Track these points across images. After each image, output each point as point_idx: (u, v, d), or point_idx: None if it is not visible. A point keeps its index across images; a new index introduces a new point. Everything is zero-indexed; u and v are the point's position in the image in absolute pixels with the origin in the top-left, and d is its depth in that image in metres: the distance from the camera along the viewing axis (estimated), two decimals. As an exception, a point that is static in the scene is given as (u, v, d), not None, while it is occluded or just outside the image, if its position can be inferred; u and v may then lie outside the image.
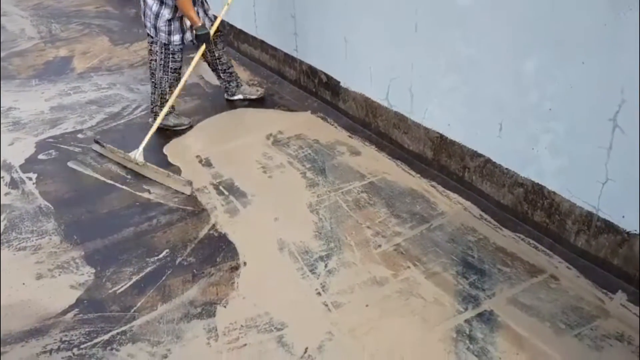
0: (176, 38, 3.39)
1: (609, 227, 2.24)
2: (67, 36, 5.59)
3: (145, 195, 2.98)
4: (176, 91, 3.40)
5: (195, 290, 2.33)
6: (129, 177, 3.15)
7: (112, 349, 2.07)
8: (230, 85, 3.91)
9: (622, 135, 2.07)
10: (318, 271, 2.39)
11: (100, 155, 3.37)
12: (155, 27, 3.35)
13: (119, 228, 2.73)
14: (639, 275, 2.18)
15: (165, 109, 3.38)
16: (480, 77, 2.60)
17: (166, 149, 3.42)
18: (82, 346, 2.09)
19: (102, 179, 3.14)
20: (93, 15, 6.24)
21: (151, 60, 3.52)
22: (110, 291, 2.35)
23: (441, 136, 2.93)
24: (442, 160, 2.97)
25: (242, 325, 2.14)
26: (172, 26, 3.34)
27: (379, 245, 2.51)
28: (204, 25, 3.39)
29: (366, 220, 2.68)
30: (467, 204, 2.76)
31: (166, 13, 3.29)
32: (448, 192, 2.86)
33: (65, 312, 2.25)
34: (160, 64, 3.47)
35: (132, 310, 2.24)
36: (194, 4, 3.34)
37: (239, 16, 4.56)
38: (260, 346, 2.05)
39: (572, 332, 2.04)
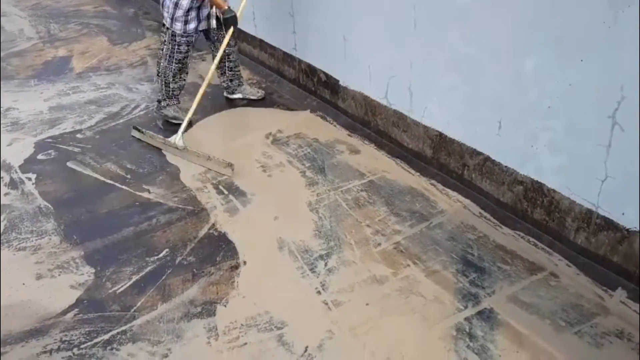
0: (191, 27, 3.42)
1: (609, 225, 2.24)
2: (66, 36, 5.58)
3: (145, 194, 2.98)
4: (207, 77, 3.42)
5: (195, 290, 2.33)
6: (128, 176, 3.14)
7: (112, 349, 2.07)
8: (232, 83, 3.92)
9: (622, 132, 2.07)
10: (318, 270, 2.39)
11: (101, 154, 3.37)
12: (172, 18, 3.38)
13: (118, 228, 2.73)
14: (639, 272, 2.19)
15: (197, 101, 3.41)
16: (480, 76, 2.60)
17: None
18: (82, 346, 2.09)
19: (102, 178, 3.14)
20: (91, 15, 6.24)
21: (159, 49, 3.59)
22: (110, 291, 2.35)
23: (440, 134, 2.93)
24: (442, 159, 2.97)
25: (242, 324, 2.14)
26: (190, 15, 3.37)
27: (379, 244, 2.52)
28: (230, 8, 3.42)
29: (366, 218, 2.68)
30: (467, 202, 2.76)
31: (185, 3, 3.32)
32: (447, 190, 2.86)
33: (65, 312, 2.25)
34: (166, 54, 3.51)
35: (132, 310, 2.24)
36: None
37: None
38: (261, 345, 2.05)
39: (572, 330, 2.05)
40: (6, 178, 3.18)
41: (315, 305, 2.22)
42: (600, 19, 2.01)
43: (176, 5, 3.32)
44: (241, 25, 4.62)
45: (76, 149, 3.46)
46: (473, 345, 2.00)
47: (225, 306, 2.24)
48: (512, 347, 1.99)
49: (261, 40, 4.38)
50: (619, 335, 2.01)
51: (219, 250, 2.54)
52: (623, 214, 2.18)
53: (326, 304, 2.22)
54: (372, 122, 3.41)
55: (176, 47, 3.48)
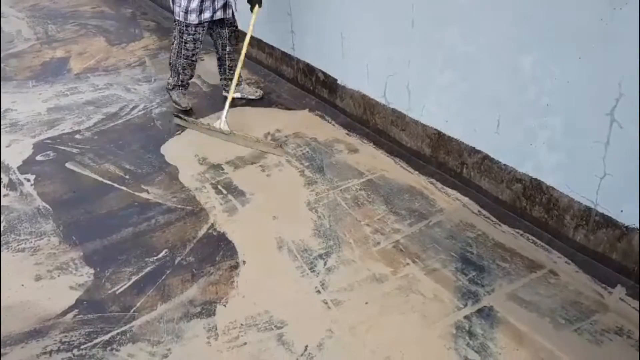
0: (207, 15, 3.47)
1: (608, 222, 2.24)
2: (64, 37, 5.58)
3: (144, 195, 2.97)
4: (239, 64, 3.53)
5: (195, 290, 2.33)
6: (127, 177, 3.14)
7: (112, 349, 2.07)
8: (231, 82, 3.93)
9: (620, 129, 2.08)
10: (317, 269, 2.39)
11: (100, 155, 3.37)
12: (187, 10, 3.42)
13: (117, 228, 2.72)
14: (638, 269, 2.19)
15: (235, 79, 3.52)
16: (478, 74, 2.60)
17: (164, 149, 3.42)
18: (82, 347, 2.09)
19: (101, 179, 3.14)
20: (89, 16, 6.23)
21: (171, 44, 3.72)
22: (109, 291, 2.35)
23: (439, 133, 2.93)
24: (440, 157, 2.97)
25: (242, 324, 2.14)
26: (204, 5, 3.43)
27: (378, 243, 2.52)
28: None
29: (365, 217, 2.68)
30: (466, 200, 2.77)
31: None
32: (446, 188, 2.86)
33: (64, 313, 2.25)
34: (176, 49, 3.63)
35: (132, 311, 2.24)
36: None
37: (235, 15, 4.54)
38: (260, 344, 2.05)
39: (572, 327, 2.05)
40: (5, 179, 3.17)
41: (315, 304, 2.22)
42: (598, 16, 2.01)
43: None
44: (238, 24, 4.61)
45: (75, 150, 3.45)
46: (473, 344, 2.00)
47: (224, 306, 2.24)
48: (512, 345, 1.99)
49: (259, 40, 4.37)
50: (619, 332, 2.02)
51: (218, 250, 2.54)
52: (622, 211, 2.18)
53: (326, 303, 2.22)
54: (370, 121, 3.41)
55: (183, 44, 3.57)
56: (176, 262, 2.49)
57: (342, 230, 2.61)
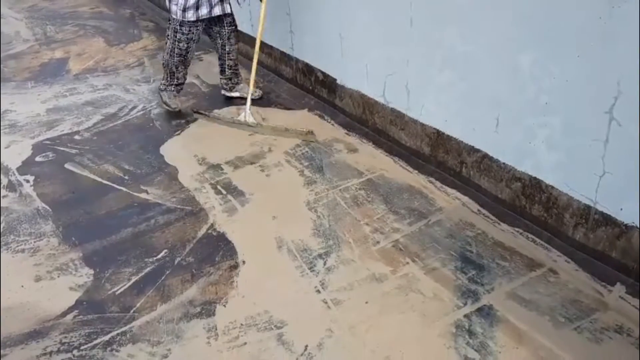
0: (204, 12, 3.47)
1: (607, 220, 2.24)
2: (62, 38, 5.58)
3: (143, 195, 2.97)
4: (254, 65, 3.55)
5: (195, 290, 2.33)
6: (126, 177, 3.14)
7: (112, 350, 2.07)
8: (231, 81, 3.95)
9: (619, 128, 2.08)
10: (317, 269, 2.39)
11: (99, 156, 3.37)
12: (184, 8, 3.41)
13: (117, 229, 2.72)
14: (638, 267, 2.19)
15: (253, 78, 3.55)
16: (477, 73, 2.60)
17: (163, 149, 3.42)
18: (82, 347, 2.09)
19: (100, 180, 3.14)
20: (88, 17, 6.23)
21: (165, 43, 3.71)
22: (109, 292, 2.35)
23: (438, 132, 2.93)
24: (440, 156, 2.97)
25: (241, 324, 2.14)
26: (200, 0, 3.42)
27: (378, 242, 2.52)
28: None
29: (364, 217, 2.68)
30: (465, 199, 2.77)
31: None
32: (446, 187, 2.87)
33: (64, 313, 2.25)
34: (169, 48, 3.61)
35: (132, 311, 2.24)
36: None
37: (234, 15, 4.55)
38: (260, 344, 2.05)
39: (572, 326, 2.05)
40: (4, 180, 3.17)
41: (315, 304, 2.22)
42: (596, 14, 2.01)
43: None
44: (239, 25, 4.61)
45: (74, 151, 3.45)
46: (472, 342, 2.00)
47: (224, 306, 2.24)
48: (512, 344, 1.99)
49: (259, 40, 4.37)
50: (618, 331, 2.02)
51: (218, 250, 2.54)
52: (621, 209, 2.18)
53: (325, 302, 2.22)
54: (369, 121, 3.41)
55: (177, 42, 3.56)
56: (176, 262, 2.49)
57: (341, 229, 2.61)
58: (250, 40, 4.48)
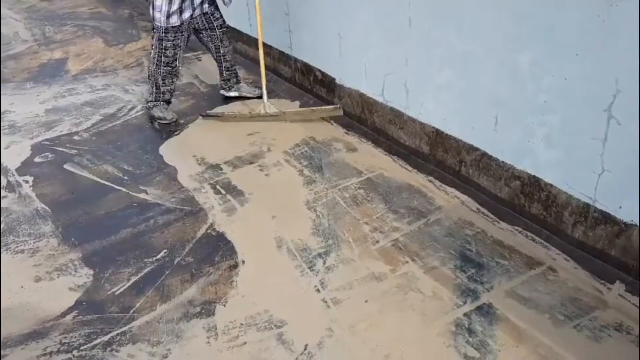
0: (186, 15, 3.43)
1: (606, 218, 2.25)
2: (61, 38, 5.57)
3: (142, 195, 2.97)
4: (263, 67, 3.57)
5: (194, 290, 2.33)
6: (125, 178, 3.14)
7: (112, 350, 2.07)
8: (229, 81, 3.95)
9: (617, 126, 2.08)
10: (317, 268, 2.39)
11: (98, 156, 3.37)
12: (167, 15, 3.37)
13: (116, 229, 2.72)
14: (637, 265, 2.19)
15: (263, 77, 3.58)
16: (475, 71, 2.60)
17: (162, 149, 3.42)
18: (81, 348, 2.09)
19: (99, 180, 3.14)
20: (86, 17, 6.23)
21: (150, 52, 3.60)
22: (109, 292, 2.35)
23: (437, 131, 2.93)
24: (439, 155, 2.97)
25: (241, 324, 2.14)
26: (184, 4, 3.39)
27: (377, 241, 2.52)
28: None
29: (364, 216, 2.69)
30: (464, 198, 2.77)
31: None
32: (445, 186, 2.87)
33: (64, 314, 2.25)
34: (154, 58, 3.53)
35: (132, 311, 2.24)
36: None
37: (232, 14, 4.54)
38: (260, 344, 2.05)
39: (571, 324, 2.05)
40: (3, 181, 3.17)
41: (315, 303, 2.22)
42: (595, 12, 2.01)
43: (170, 0, 3.33)
44: (235, 24, 4.62)
45: (73, 151, 3.45)
46: (472, 341, 2.01)
47: (224, 306, 2.24)
48: (511, 342, 1.99)
49: (256, 40, 4.36)
50: (618, 329, 2.02)
51: (217, 250, 2.54)
52: (620, 207, 2.19)
53: (325, 302, 2.22)
54: (368, 120, 3.41)
55: (163, 50, 3.49)
56: (175, 262, 2.49)
57: (341, 229, 2.61)
58: (249, 40, 4.49)
